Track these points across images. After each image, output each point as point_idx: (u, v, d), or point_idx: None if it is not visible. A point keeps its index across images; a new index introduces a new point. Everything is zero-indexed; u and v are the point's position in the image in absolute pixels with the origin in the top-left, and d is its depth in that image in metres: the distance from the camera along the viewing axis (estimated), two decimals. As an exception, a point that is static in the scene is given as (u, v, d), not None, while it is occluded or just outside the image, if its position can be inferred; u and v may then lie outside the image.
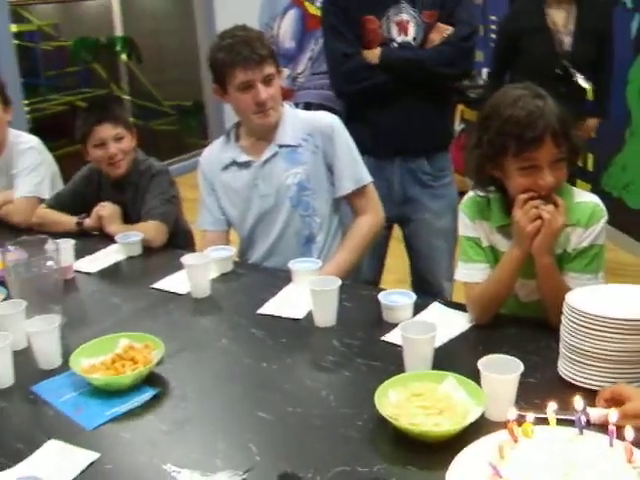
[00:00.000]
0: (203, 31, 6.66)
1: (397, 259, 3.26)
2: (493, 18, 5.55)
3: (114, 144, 2.81)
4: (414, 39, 2.86)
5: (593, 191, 5.01)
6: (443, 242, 3.00)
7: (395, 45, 2.86)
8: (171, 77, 8.36)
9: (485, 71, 5.30)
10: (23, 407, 1.79)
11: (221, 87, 2.50)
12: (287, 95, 4.73)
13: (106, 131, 2.81)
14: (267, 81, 2.44)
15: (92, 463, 1.52)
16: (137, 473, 1.53)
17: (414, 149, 2.92)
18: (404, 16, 2.84)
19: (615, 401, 1.51)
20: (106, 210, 2.82)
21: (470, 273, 2.01)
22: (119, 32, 8.27)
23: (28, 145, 3.17)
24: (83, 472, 1.50)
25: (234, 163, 2.60)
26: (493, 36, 5.26)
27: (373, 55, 2.84)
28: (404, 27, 2.85)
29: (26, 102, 6.12)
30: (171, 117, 8.35)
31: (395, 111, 2.87)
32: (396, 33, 2.86)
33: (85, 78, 8.68)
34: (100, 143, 2.81)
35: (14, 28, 6.30)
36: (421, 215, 2.96)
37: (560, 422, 1.39)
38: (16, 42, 5.98)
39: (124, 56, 8.20)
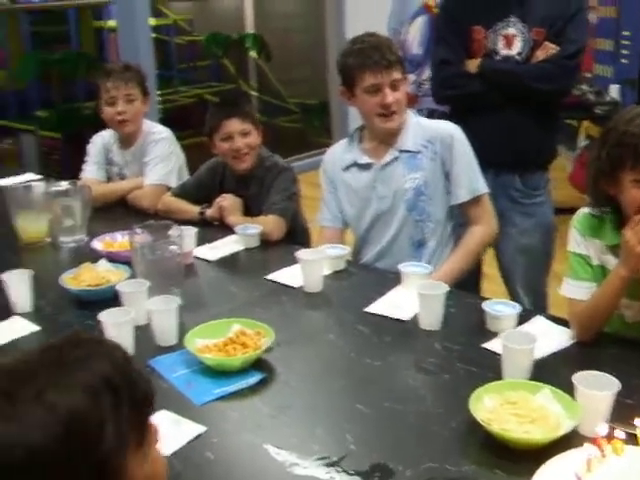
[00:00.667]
0: (332, 32, 6.76)
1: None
2: (627, 34, 5.44)
3: (240, 138, 2.93)
4: (519, 54, 2.88)
5: None
6: (526, 259, 3.01)
7: (498, 58, 2.89)
8: (298, 76, 8.52)
9: (614, 87, 5.20)
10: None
11: (348, 90, 2.59)
12: (411, 101, 4.77)
13: (234, 125, 2.93)
14: (394, 86, 2.52)
15: (199, 436, 1.64)
16: (239, 449, 1.63)
17: (506, 164, 2.94)
18: (511, 30, 2.87)
19: None
20: (227, 201, 2.95)
21: (576, 290, 2.01)
22: (250, 29, 8.48)
23: (161, 136, 3.34)
24: (190, 442, 1.62)
25: (355, 164, 2.69)
26: (625, 52, 5.16)
27: (473, 65, 2.88)
28: (510, 41, 2.87)
29: (159, 93, 6.39)
30: (296, 115, 8.50)
31: (491, 123, 2.90)
32: (501, 46, 2.89)
33: (215, 72, 8.95)
34: (227, 137, 2.93)
35: (152, 22, 6.58)
36: (507, 229, 2.94)
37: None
38: (153, 35, 6.24)
39: (253, 53, 8.40)
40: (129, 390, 0.88)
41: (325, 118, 7.67)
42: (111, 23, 6.34)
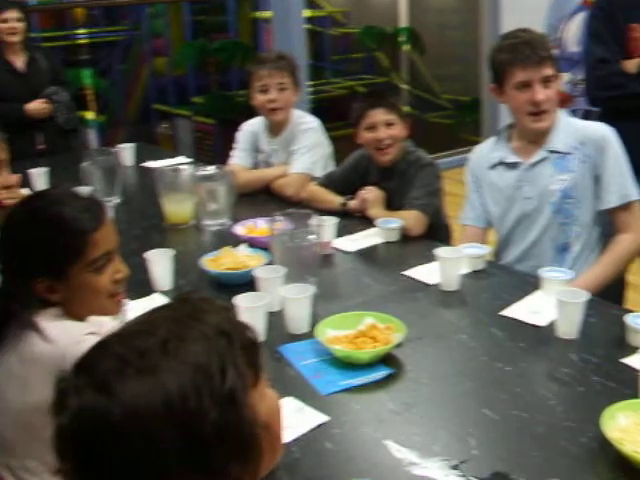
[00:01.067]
0: (487, 28, 6.62)
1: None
2: None
3: (384, 129, 2.91)
4: None
5: None
6: None
7: None
8: (451, 71, 8.43)
9: None
10: (268, 363, 1.94)
11: (499, 86, 2.53)
12: (566, 101, 4.63)
13: (378, 115, 2.92)
14: (545, 83, 2.44)
15: (321, 425, 1.65)
16: (359, 442, 1.62)
17: None
18: None
19: None
20: (371, 194, 2.94)
21: None
22: (404, 23, 8.45)
23: (309, 126, 3.38)
24: (311, 431, 1.63)
25: (502, 163, 2.63)
26: None
27: (632, 65, 2.73)
28: None
29: (310, 83, 6.47)
30: (447, 111, 8.41)
31: None
32: None
33: (367, 65, 8.99)
34: (371, 126, 2.93)
35: (307, 13, 6.67)
36: None
37: None
38: (307, 26, 6.32)
39: (407, 47, 8.37)
40: (239, 335, 0.94)
41: (476, 115, 7.55)
42: (267, 14, 6.47)
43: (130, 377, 0.85)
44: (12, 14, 4.28)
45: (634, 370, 1.79)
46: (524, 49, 2.43)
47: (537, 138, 2.56)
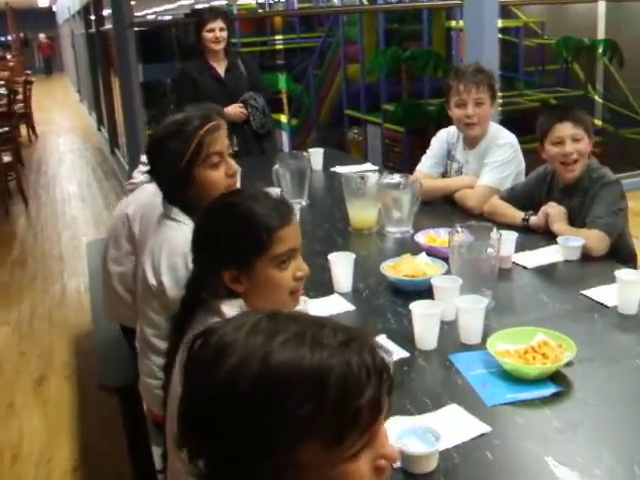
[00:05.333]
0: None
1: None
2: None
3: (571, 143, 2.89)
4: None
5: None
6: None
7: None
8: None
9: None
10: (438, 370, 2.02)
11: None
12: None
13: (565, 130, 2.90)
14: None
15: (482, 435, 1.69)
16: (519, 456, 1.65)
17: None
18: None
19: None
20: (554, 209, 2.92)
21: None
22: (602, 34, 8.20)
23: (505, 141, 3.39)
24: (473, 440, 1.67)
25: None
26: None
27: None
28: None
29: (501, 95, 6.41)
30: (644, 128, 8.10)
31: None
32: None
33: (562, 77, 8.78)
34: (558, 141, 2.91)
35: (501, 23, 6.61)
36: None
37: None
38: (501, 37, 6.26)
39: (604, 59, 8.11)
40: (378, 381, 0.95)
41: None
42: (461, 23, 6.49)
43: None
44: (217, 24, 4.57)
45: None
46: None
47: None
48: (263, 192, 1.81)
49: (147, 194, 2.56)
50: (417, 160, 3.65)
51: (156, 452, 2.16)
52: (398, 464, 1.57)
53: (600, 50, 8.05)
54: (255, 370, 0.91)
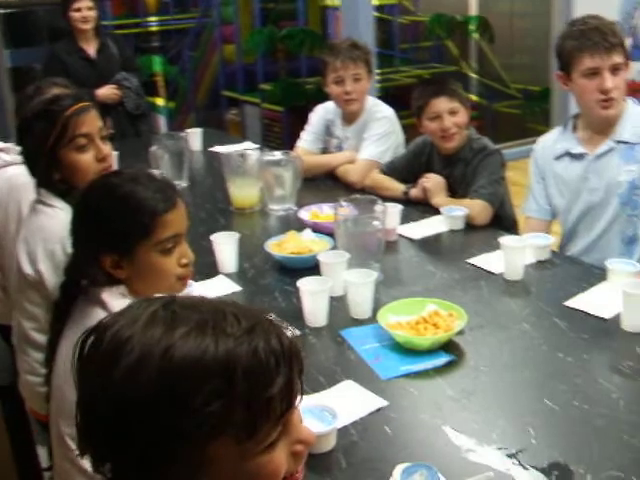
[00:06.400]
0: (559, 16, 6.49)
1: None
2: None
3: (449, 117, 2.89)
4: None
5: None
6: None
7: None
8: (521, 60, 8.31)
9: None
10: (330, 346, 1.98)
11: (566, 74, 2.49)
12: (638, 90, 4.53)
13: (441, 104, 2.90)
14: (614, 70, 2.39)
15: (379, 409, 1.66)
16: (417, 428, 1.64)
17: None
18: None
19: None
20: (431, 182, 2.93)
21: None
22: (474, 11, 8.36)
23: (383, 114, 3.38)
24: (371, 414, 1.65)
25: (567, 154, 2.59)
26: None
27: None
28: None
29: (378, 72, 6.44)
30: (517, 101, 8.30)
31: None
32: None
33: (436, 54, 8.91)
34: (435, 116, 2.91)
35: (376, 1, 6.63)
36: None
37: None
38: (376, 14, 6.27)
39: (476, 35, 8.28)
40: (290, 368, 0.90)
41: (546, 106, 7.44)
42: (336, 1, 6.47)
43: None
44: (84, 3, 4.42)
45: (701, 365, 1.76)
46: (593, 36, 2.39)
47: (603, 128, 2.52)
48: (146, 173, 1.71)
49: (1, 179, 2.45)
50: (297, 139, 3.60)
51: (41, 451, 2.06)
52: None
53: (472, 27, 8.20)
54: (156, 366, 0.83)
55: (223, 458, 0.85)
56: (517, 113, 8.13)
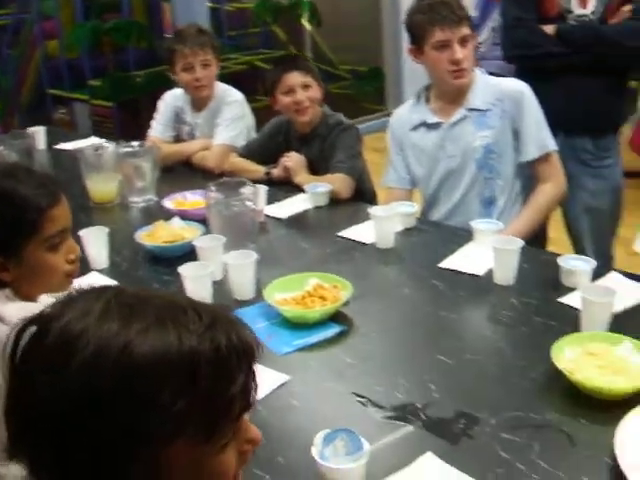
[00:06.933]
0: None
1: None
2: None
3: (302, 91, 2.95)
4: (592, 13, 2.83)
5: None
6: (594, 221, 2.99)
7: (571, 17, 2.84)
8: (349, 41, 8.48)
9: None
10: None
11: (417, 47, 2.58)
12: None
13: (294, 78, 2.95)
14: (463, 42, 2.51)
15: (282, 384, 1.68)
16: (323, 397, 1.67)
17: (578, 127, 2.91)
18: None
19: None
20: (292, 161, 2.97)
21: None
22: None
23: (233, 98, 3.39)
24: (275, 391, 1.66)
25: (423, 124, 2.69)
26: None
27: (550, 28, 2.83)
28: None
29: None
30: (347, 81, 8.48)
31: (564, 85, 2.86)
32: (575, 5, 2.84)
33: (265, 39, 8.95)
34: (288, 90, 2.96)
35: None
36: (576, 192, 2.92)
37: None
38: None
39: (304, 19, 8.38)
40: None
41: (377, 84, 7.64)
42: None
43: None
44: None
45: (572, 308, 1.89)
46: (442, 9, 2.49)
47: (456, 97, 2.63)
48: (24, 168, 1.63)
49: None
50: (131, 133, 3.54)
51: None
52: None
53: (299, 10, 8.28)
54: (115, 362, 0.79)
55: (180, 460, 0.82)
56: (348, 94, 8.31)
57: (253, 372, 0.88)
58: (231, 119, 3.32)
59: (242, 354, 0.85)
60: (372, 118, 7.16)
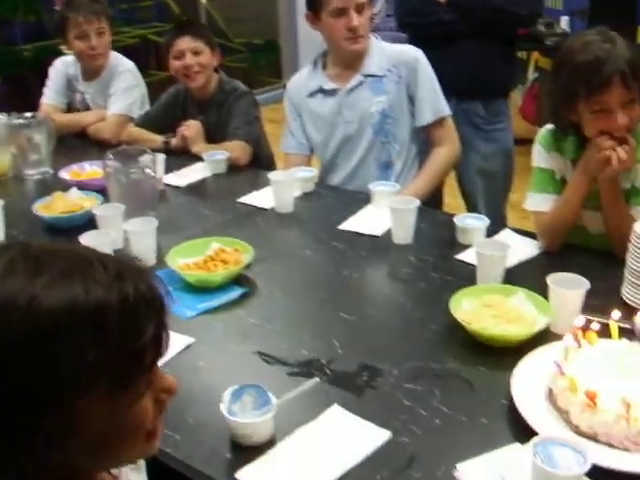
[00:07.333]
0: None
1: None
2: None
3: (192, 56, 2.94)
4: None
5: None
6: (487, 183, 3.09)
7: None
8: (244, 14, 8.42)
9: (564, 19, 5.29)
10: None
11: (314, 14, 2.60)
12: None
13: (185, 43, 2.95)
14: (359, 9, 2.54)
15: (188, 347, 1.69)
16: (229, 356, 1.69)
17: (470, 92, 2.99)
18: None
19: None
20: (190, 130, 2.96)
21: (542, 203, 2.08)
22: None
23: (125, 68, 3.34)
24: (180, 353, 1.67)
25: (320, 90, 2.72)
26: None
27: None
28: None
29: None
30: (241, 54, 8.42)
31: (455, 52, 2.93)
32: None
33: (159, 12, 8.79)
34: (179, 54, 2.95)
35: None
36: (469, 155, 3.00)
37: (621, 335, 1.51)
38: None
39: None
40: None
41: (272, 57, 7.63)
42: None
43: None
44: None
45: (468, 264, 1.96)
46: None
47: (352, 63, 2.66)
48: None
49: None
50: (19, 109, 3.43)
51: None
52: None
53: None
54: (21, 317, 0.77)
55: (94, 413, 0.82)
56: (243, 67, 8.26)
57: (163, 321, 0.88)
58: (124, 88, 3.28)
59: (151, 304, 0.86)
60: (268, 90, 7.15)
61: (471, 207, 3.10)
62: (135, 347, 0.83)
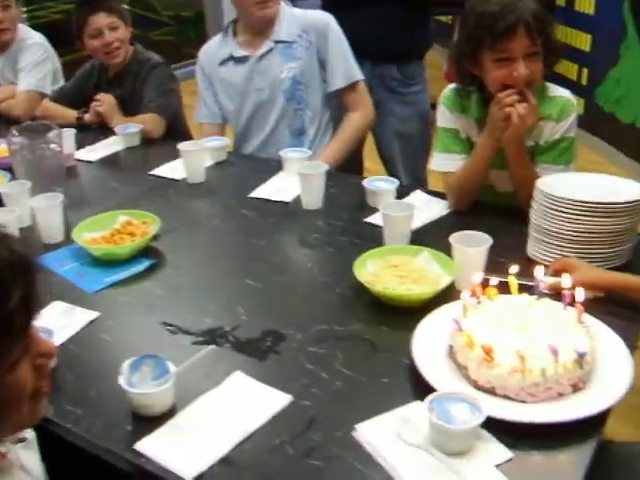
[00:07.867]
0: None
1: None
2: None
3: (110, 33, 2.88)
4: None
5: (586, 106, 4.98)
6: (405, 145, 3.09)
7: None
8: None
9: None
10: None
11: None
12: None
13: (100, 20, 2.88)
14: None
15: (93, 321, 1.67)
16: (134, 329, 1.67)
17: (384, 55, 2.98)
18: None
19: (563, 272, 1.60)
20: (104, 106, 2.90)
21: (448, 163, 2.09)
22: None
23: (33, 40, 3.26)
24: (85, 328, 1.64)
25: (231, 58, 2.69)
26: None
27: None
28: None
29: (24, 10, 6.09)
30: (170, 27, 8.29)
31: (367, 15, 2.92)
32: None
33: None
34: (96, 33, 2.88)
35: None
36: (386, 118, 3.01)
37: (521, 290, 1.52)
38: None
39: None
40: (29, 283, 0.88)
41: (200, 29, 7.52)
42: None
43: None
44: None
45: (376, 226, 1.96)
46: None
47: (262, 30, 2.64)
48: None
49: None
50: None
51: None
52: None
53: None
54: None
55: None
56: (171, 40, 8.13)
57: (33, 285, 0.86)
58: (34, 62, 3.20)
59: (17, 268, 0.84)
60: (193, 62, 7.06)
61: (391, 171, 3.11)
62: (2, 313, 0.82)
